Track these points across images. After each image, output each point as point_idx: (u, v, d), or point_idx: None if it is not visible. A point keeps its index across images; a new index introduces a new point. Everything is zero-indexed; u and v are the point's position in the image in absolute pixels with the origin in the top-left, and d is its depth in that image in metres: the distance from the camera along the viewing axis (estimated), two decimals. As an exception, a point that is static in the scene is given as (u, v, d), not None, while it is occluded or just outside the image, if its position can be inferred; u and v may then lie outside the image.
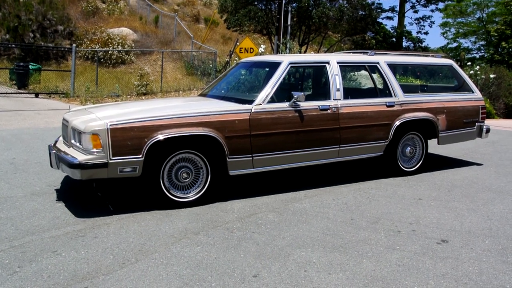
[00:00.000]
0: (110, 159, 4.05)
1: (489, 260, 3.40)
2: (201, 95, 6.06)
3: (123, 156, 4.09)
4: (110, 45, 19.59)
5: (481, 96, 6.56)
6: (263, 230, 3.89)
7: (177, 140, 4.31)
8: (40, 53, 18.65)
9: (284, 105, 4.88)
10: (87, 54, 19.21)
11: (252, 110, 4.69)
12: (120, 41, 20.12)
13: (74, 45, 15.88)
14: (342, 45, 28.19)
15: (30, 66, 16.06)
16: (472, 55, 38.08)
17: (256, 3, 21.71)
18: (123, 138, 4.08)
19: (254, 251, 3.46)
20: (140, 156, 4.14)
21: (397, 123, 5.61)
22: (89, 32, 20.53)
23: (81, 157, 4.04)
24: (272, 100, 4.84)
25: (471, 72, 16.65)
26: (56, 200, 4.56)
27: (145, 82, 15.83)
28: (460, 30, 40.25)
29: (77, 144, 4.23)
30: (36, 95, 14.68)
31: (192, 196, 4.50)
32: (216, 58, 18.43)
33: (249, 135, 4.64)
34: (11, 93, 14.67)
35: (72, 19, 21.23)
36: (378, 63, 5.81)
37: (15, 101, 13.16)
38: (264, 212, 4.36)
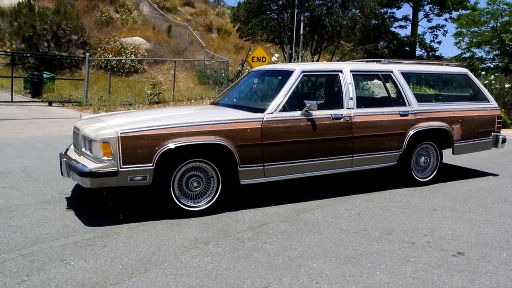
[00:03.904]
0: (121, 168, 4.02)
1: (506, 274, 3.30)
2: (213, 103, 6.04)
3: (134, 165, 4.06)
4: (123, 54, 19.76)
5: (497, 106, 6.45)
6: (274, 241, 3.82)
7: (188, 149, 4.27)
8: (54, 62, 18.87)
9: (296, 113, 4.82)
10: (100, 63, 19.40)
11: (264, 119, 4.64)
12: (133, 50, 20.30)
13: (87, 54, 16.06)
14: (354, 54, 28.12)
15: (44, 75, 16.27)
16: (486, 65, 37.75)
17: (268, 12, 21.78)
18: (134, 147, 4.05)
19: (265, 262, 3.39)
20: (151, 164, 4.11)
21: (411, 132, 5.52)
22: (103, 42, 20.75)
23: (91, 165, 4.02)
24: (284, 109, 4.79)
25: (486, 81, 16.45)
26: (66, 208, 4.55)
27: (157, 91, 15.94)
28: (474, 40, 39.98)
29: (88, 152, 4.22)
30: (50, 104, 14.84)
31: (202, 205, 4.45)
32: (228, 67, 18.49)
33: (261, 144, 4.59)
34: (25, 102, 14.84)
35: (86, 28, 21.49)
36: (391, 71, 5.74)
37: (29, 110, 13.29)
38: (275, 222, 4.29)
